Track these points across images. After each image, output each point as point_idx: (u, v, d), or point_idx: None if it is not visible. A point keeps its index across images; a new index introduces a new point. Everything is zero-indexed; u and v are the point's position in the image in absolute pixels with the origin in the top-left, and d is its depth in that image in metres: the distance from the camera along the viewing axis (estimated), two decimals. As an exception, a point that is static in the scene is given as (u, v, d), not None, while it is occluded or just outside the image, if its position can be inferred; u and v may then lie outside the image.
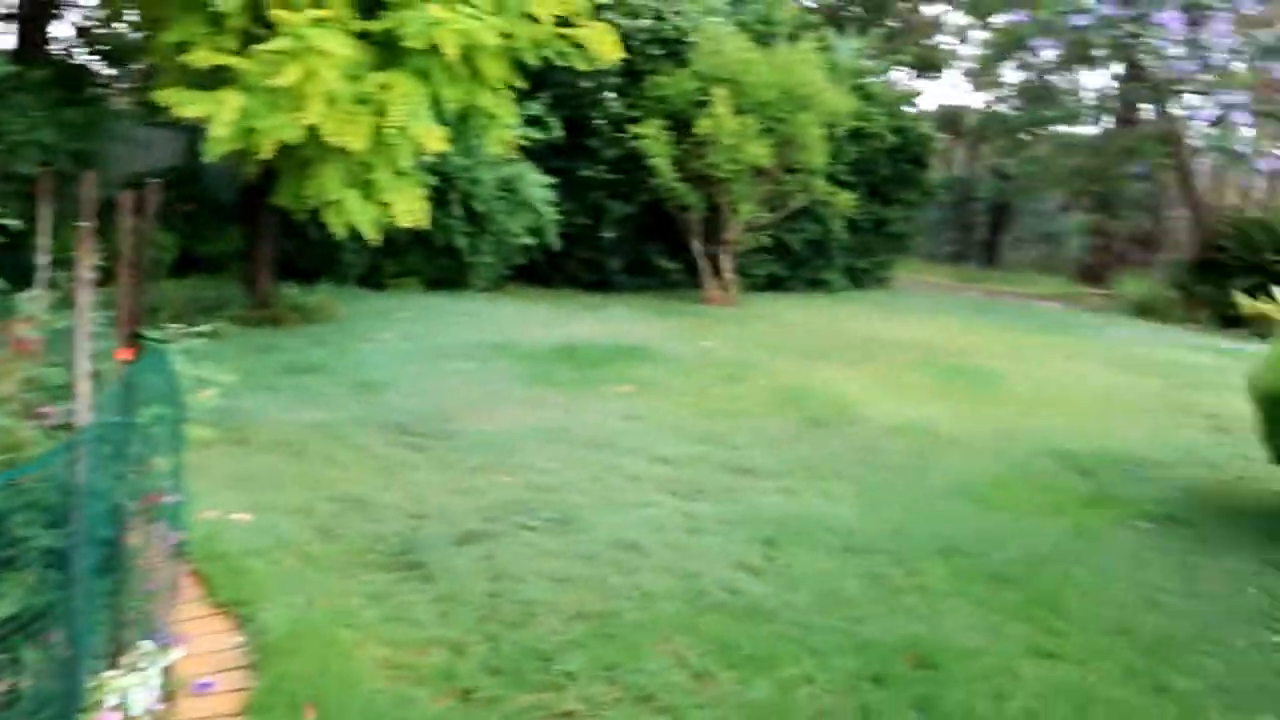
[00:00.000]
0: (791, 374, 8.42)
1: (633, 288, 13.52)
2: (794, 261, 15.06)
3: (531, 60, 8.19)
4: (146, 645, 3.12)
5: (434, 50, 7.30)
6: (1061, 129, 29.33)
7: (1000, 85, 39.02)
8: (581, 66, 8.61)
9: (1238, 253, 15.97)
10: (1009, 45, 23.10)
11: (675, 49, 12.99)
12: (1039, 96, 33.92)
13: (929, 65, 37.09)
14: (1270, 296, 14.02)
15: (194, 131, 8.75)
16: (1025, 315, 15.08)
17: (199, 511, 4.47)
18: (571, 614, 3.74)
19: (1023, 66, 38.96)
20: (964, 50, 39.15)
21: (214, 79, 7.27)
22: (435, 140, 7.52)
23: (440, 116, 7.89)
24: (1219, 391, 8.92)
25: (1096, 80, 34.85)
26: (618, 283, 13.37)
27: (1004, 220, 38.49)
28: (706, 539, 4.57)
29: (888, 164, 16.14)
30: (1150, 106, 17.64)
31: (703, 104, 12.22)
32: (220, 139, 6.80)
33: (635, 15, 12.92)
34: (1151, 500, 5.63)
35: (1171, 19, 14.63)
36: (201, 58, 7.01)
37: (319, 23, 7.02)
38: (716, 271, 13.09)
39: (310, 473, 5.14)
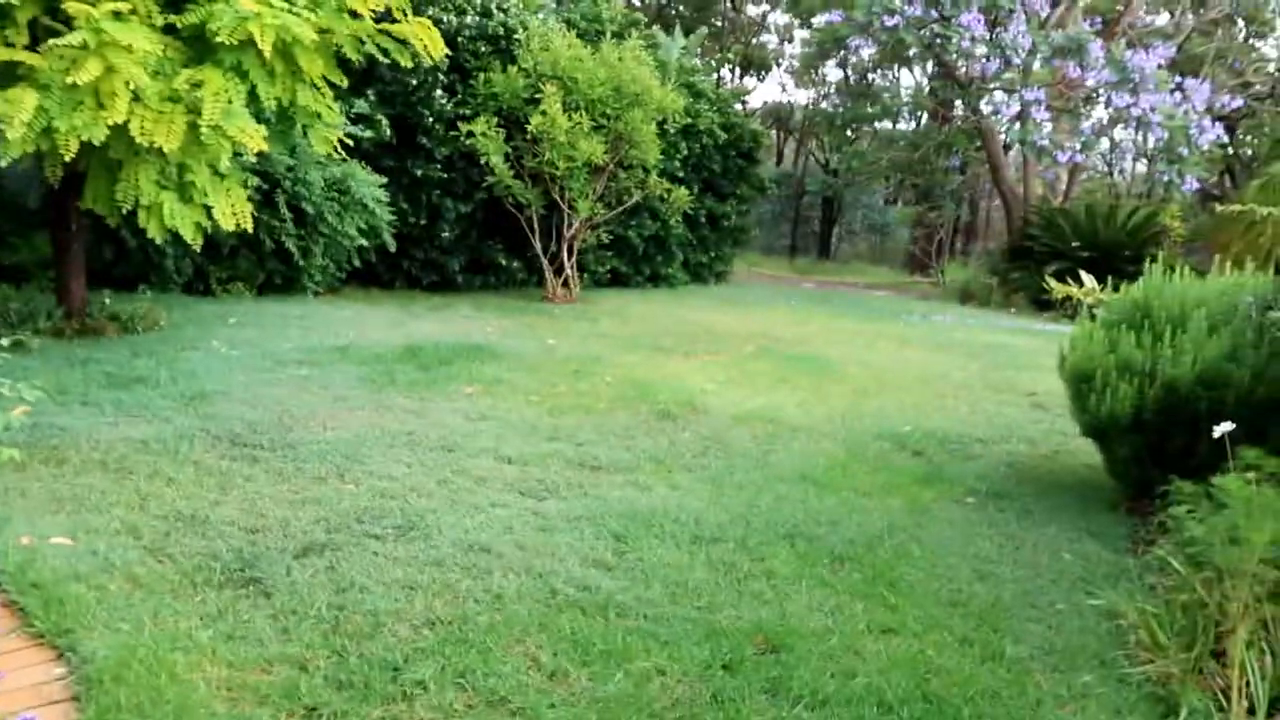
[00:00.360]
0: (637, 368, 8.48)
1: (474, 287, 13.37)
2: (635, 257, 15.22)
3: (354, 56, 7.95)
4: (-48, 688, 2.88)
5: (248, 45, 6.99)
6: (885, 125, 30.76)
7: (823, 83, 40.72)
8: (405, 63, 8.41)
9: (1046, 241, 17.08)
10: (829, 44, 23.95)
11: (503, 46, 12.89)
12: (859, 94, 35.53)
13: (755, 64, 38.17)
14: (1076, 281, 15.04)
15: (-10, 133, 8.13)
16: (858, 304, 15.69)
17: (13, 538, 4.16)
18: (420, 622, 3.65)
19: (843, 65, 40.77)
20: (788, 49, 40.55)
21: (4, 77, 6.76)
22: (255, 139, 7.20)
23: (259, 115, 7.57)
24: (1035, 371, 9.51)
25: (911, 79, 36.72)
26: (459, 282, 13.18)
27: (835, 213, 40.08)
28: (557, 537, 4.54)
29: (720, 160, 16.50)
30: (959, 103, 18.72)
31: (534, 101, 12.19)
32: (16, 140, 6.31)
33: (461, 12, 12.75)
34: (977, 476, 5.94)
35: (973, 20, 15.48)
36: (-12, 51, 6.50)
37: (118, 16, 6.61)
38: (558, 269, 13.08)
39: (137, 491, 4.84)
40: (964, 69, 16.87)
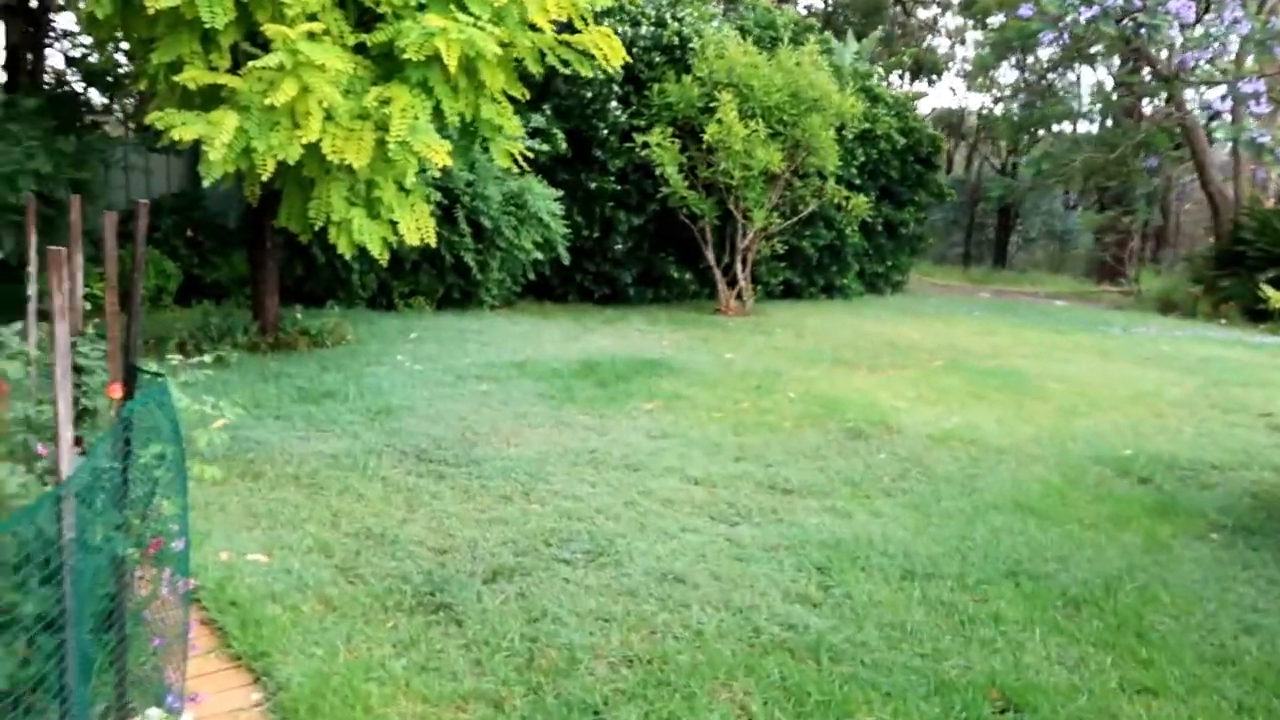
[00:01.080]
0: (820, 383, 8.10)
1: (646, 300, 13.24)
2: (809, 268, 14.79)
3: (535, 68, 7.90)
4: (153, 714, 2.81)
5: (434, 61, 7.02)
6: (1065, 128, 29.17)
7: (996, 86, 39.01)
8: (586, 73, 8.31)
9: (1261, 245, 15.64)
10: (1010, 42, 22.83)
11: (678, 55, 12.73)
12: (1039, 95, 33.77)
13: (925, 68, 37.00)
14: (1298, 287, 13.69)
15: (194, 155, 8.49)
16: (1046, 315, 14.75)
17: (212, 554, 4.18)
18: (618, 658, 3.41)
19: (1020, 66, 38.91)
20: (959, 52, 39.07)
21: (209, 99, 7.00)
22: (440, 154, 7.22)
23: (443, 130, 7.60)
24: (1266, 389, 8.60)
25: (1092, 77, 34.60)
26: (630, 295, 13.08)
27: (1011, 220, 38.29)
28: (754, 568, 4.24)
29: (898, 166, 15.87)
30: (1154, 100, 17.37)
31: (709, 110, 11.96)
32: (218, 161, 6.50)
33: (636, 23, 12.66)
34: (1218, 509, 5.30)
35: (1182, 6, 14.33)
36: (193, 77, 6.72)
37: (313, 37, 6.74)
38: (731, 281, 12.79)
39: (328, 507, 4.83)
40: (1165, 60, 15.65)
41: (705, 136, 11.64)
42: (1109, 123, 29.94)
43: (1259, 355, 11.02)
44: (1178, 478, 5.86)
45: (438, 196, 10.16)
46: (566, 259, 11.75)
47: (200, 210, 11.00)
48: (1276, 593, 4.21)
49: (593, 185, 12.22)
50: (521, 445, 5.98)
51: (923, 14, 37.45)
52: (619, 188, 12.45)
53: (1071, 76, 37.21)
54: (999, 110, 36.84)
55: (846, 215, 13.75)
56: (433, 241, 8.06)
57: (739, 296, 12.77)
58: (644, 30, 12.62)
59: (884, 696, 3.19)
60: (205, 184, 6.73)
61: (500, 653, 3.43)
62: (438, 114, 7.50)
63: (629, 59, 10.97)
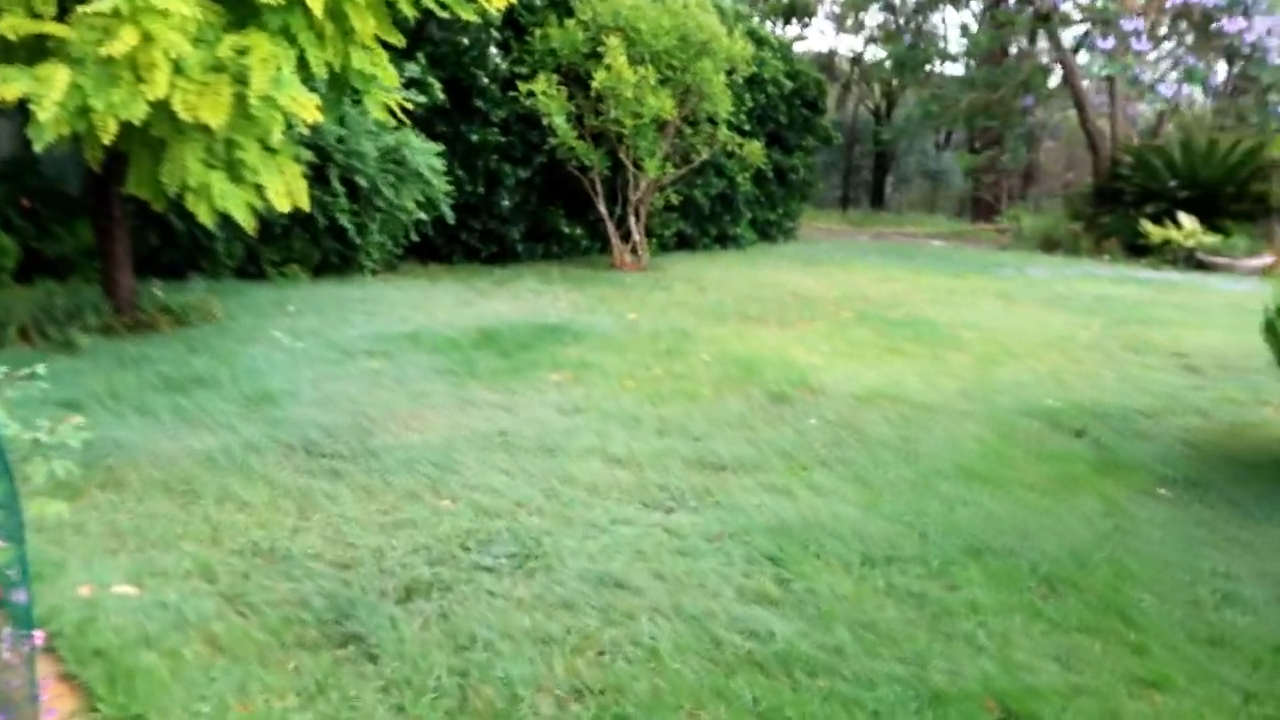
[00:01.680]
0: (732, 342, 7.73)
1: (536, 257, 12.66)
2: (701, 218, 14.40)
3: (409, 11, 7.19)
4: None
5: (295, 5, 6.27)
6: (939, 69, 29.44)
7: (863, 29, 39.33)
8: (467, 16, 7.63)
9: (1138, 181, 15.95)
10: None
11: (560, -2, 12.06)
12: (912, 37, 34.02)
13: (798, 11, 36.88)
14: (1175, 223, 14.00)
15: (24, 115, 7.52)
16: (938, 258, 14.77)
17: (69, 589, 3.54)
18: (565, 690, 2.96)
19: (887, 8, 39.18)
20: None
21: (35, 52, 6.10)
22: (308, 109, 6.49)
23: (309, 82, 6.86)
24: (1166, 327, 8.64)
25: (957, 19, 35.25)
26: (520, 253, 12.47)
27: (888, 162, 38.79)
28: (701, 563, 3.83)
29: (785, 111, 15.59)
30: (1019, 42, 17.48)
31: (595, 56, 11.36)
32: (49, 122, 5.64)
33: (515, -37, 11.92)
34: (1159, 460, 5.14)
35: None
36: (12, 25, 5.81)
37: (152, -23, 5.91)
38: (625, 234, 12.31)
39: (206, 519, 4.20)
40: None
41: (593, 84, 11.05)
42: (972, 65, 30.45)
43: (1149, 291, 11.17)
44: (1111, 428, 5.70)
45: (309, 155, 9.34)
46: (451, 217, 11.05)
47: (35, 176, 9.86)
48: (1239, 552, 4.03)
49: (474, 138, 11.50)
50: (423, 430, 5.42)
51: (793, -44, 37.33)
52: (503, 139, 11.76)
53: (937, 19, 37.70)
54: (869, 53, 37.02)
55: (738, 163, 13.38)
56: (306, 205, 7.32)
57: (634, 250, 12.30)
58: (522, -29, 11.89)
59: (872, 716, 2.82)
60: (36, 148, 5.87)
61: (427, 694, 2.94)
62: (302, 64, 6.76)
63: (510, 1, 10.33)
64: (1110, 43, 14.26)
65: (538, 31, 11.59)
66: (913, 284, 11.32)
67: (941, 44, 29.23)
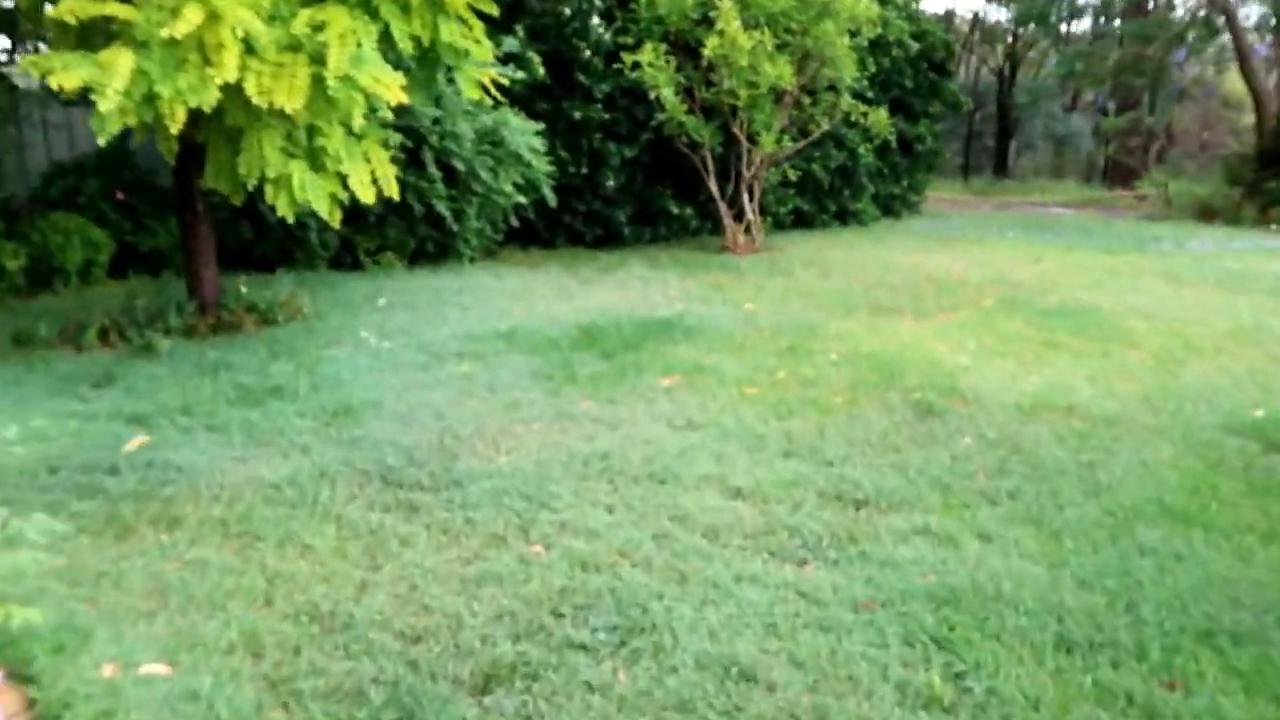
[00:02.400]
0: (864, 337, 6.87)
1: (644, 240, 11.95)
2: (819, 193, 13.47)
3: (501, -25, 6.50)
4: None
5: (370, -25, 5.64)
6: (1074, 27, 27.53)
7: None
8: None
9: (1312, 141, 14.30)
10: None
11: (667, -40, 11.22)
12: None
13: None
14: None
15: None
16: (1083, 231, 13.48)
17: (91, 666, 2.98)
18: None
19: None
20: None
21: (99, 36, 5.62)
22: (393, 90, 5.88)
23: (396, 59, 6.24)
24: (1379, 312, 7.40)
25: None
26: (626, 236, 11.77)
27: (1011, 126, 36.79)
28: (846, 643, 3.05)
29: (911, 75, 14.48)
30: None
31: (706, 22, 10.53)
32: (111, 112, 5.14)
33: (617, -74, 11.15)
34: None
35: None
36: (72, 9, 5.31)
37: (222, -51, 5.34)
38: (738, 214, 11.47)
39: (262, 569, 3.61)
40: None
41: (704, 52, 10.21)
42: (1102, 20, 28.40)
43: (1339, 268, 9.81)
44: (1341, 449, 4.67)
45: (400, 138, 8.79)
46: (553, 200, 10.40)
47: (130, 169, 9.60)
48: None
49: (577, 115, 10.80)
50: (514, 451, 4.76)
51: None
52: (607, 116, 11.05)
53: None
54: (989, 14, 35.13)
55: (860, 133, 12.37)
56: (395, 194, 6.73)
57: (747, 230, 11.46)
58: (626, -67, 11.10)
59: None
60: (100, 141, 5.38)
61: None
62: (387, 39, 6.14)
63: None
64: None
65: (643, -2, 10.81)
66: (1061, 263, 10.19)
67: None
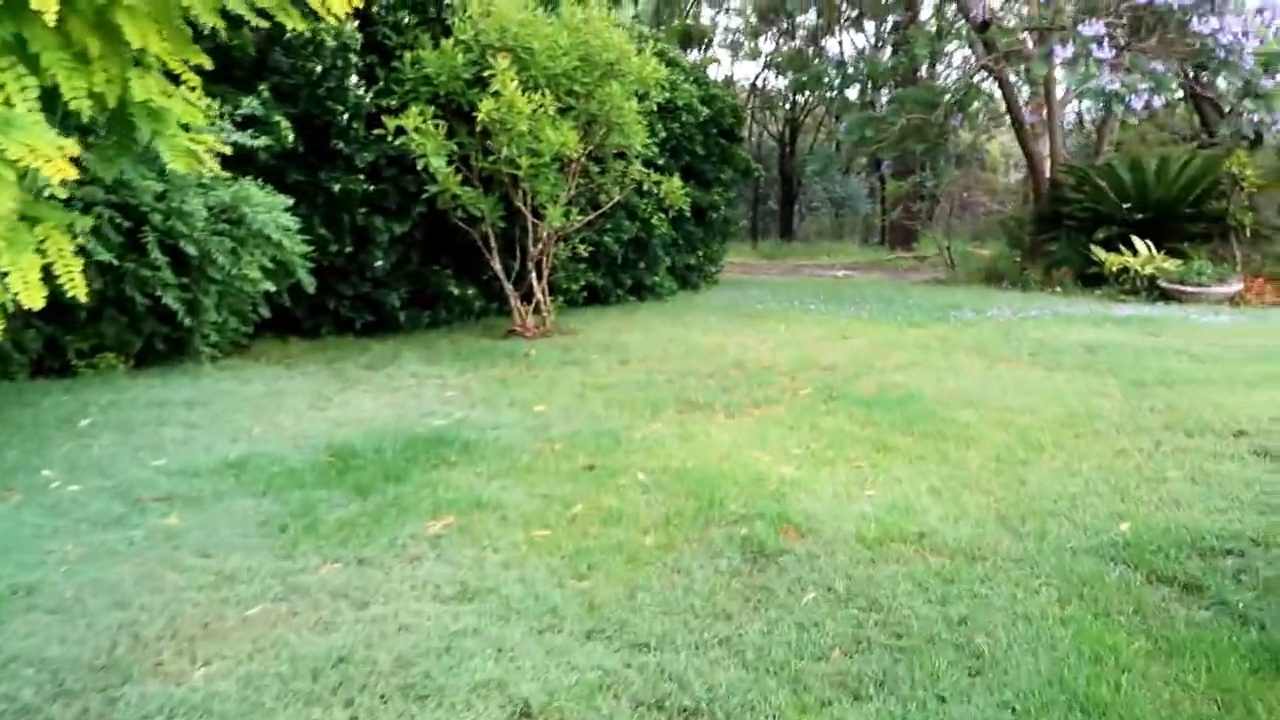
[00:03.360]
0: (674, 446, 5.89)
1: (422, 325, 10.69)
2: (613, 267, 12.63)
3: (209, 18, 5.18)
4: None
5: (26, 9, 4.26)
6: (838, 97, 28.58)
7: (761, 55, 38.90)
8: (297, 26, 5.68)
9: (1085, 204, 14.66)
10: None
11: (433, 14, 10.18)
12: (803, 64, 33.33)
13: (695, 38, 35.96)
14: (1130, 248, 12.66)
15: None
16: (881, 300, 13.23)
17: None
18: None
19: (788, 33, 38.58)
20: (722, 21, 38.85)
21: None
22: (58, 162, 4.35)
23: (69, 120, 4.83)
24: (1198, 389, 7.10)
25: (853, 44, 34.93)
26: (402, 321, 10.48)
27: (794, 190, 37.92)
28: None
29: (701, 141, 13.95)
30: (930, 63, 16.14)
31: (480, 82, 9.51)
32: None
33: (376, -25, 10.01)
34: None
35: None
36: None
37: None
38: (526, 293, 10.41)
39: None
40: (977, 9, 14.40)
41: (479, 115, 9.17)
42: (868, 88, 29.70)
43: (1135, 333, 9.72)
44: (1227, 575, 4.00)
45: (109, 215, 7.25)
46: (310, 285, 9.01)
47: None
48: None
49: (336, 187, 9.49)
50: (216, 660, 3.42)
51: (687, -17, 36.66)
52: (372, 188, 9.79)
53: (833, 43, 37.22)
54: (773, 79, 36.23)
55: (652, 202, 11.63)
56: (81, 292, 5.22)
57: (537, 310, 10.42)
58: (386, -16, 9.97)
59: None
60: None
61: None
62: (51, 95, 4.75)
63: (367, 25, 8.41)
64: (1070, 50, 12.86)
65: (407, 55, 9.67)
66: (869, 339, 9.67)
67: (841, 68, 28.49)
